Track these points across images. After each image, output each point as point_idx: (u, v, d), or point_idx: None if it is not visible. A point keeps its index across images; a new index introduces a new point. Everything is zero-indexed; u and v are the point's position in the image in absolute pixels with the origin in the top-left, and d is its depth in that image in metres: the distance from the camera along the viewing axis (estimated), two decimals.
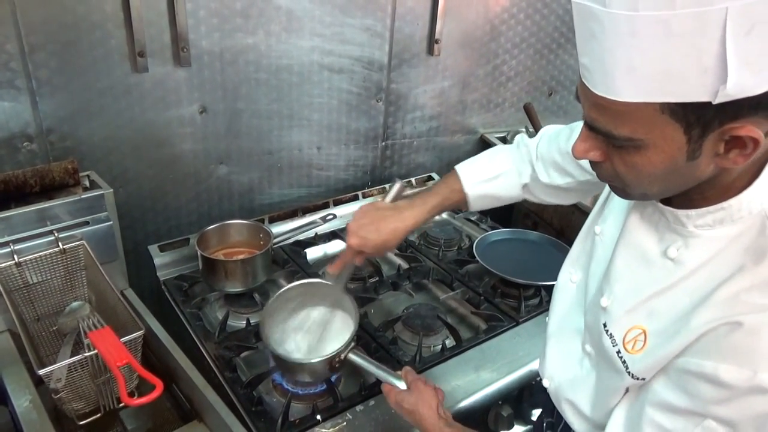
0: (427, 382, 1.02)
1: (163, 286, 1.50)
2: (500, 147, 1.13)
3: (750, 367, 0.59)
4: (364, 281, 1.54)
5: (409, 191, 1.80)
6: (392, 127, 1.96)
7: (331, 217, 1.75)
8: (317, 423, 1.11)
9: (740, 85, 0.52)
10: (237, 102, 1.62)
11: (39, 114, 1.36)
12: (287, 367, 1.13)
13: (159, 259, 1.54)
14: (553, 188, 1.05)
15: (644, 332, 0.72)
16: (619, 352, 0.74)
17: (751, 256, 0.63)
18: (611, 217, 0.84)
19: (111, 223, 1.31)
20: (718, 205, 0.65)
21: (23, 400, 1.05)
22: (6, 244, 1.17)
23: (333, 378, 1.19)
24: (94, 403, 1.10)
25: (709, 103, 0.54)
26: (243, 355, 1.29)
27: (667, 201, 0.71)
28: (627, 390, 0.77)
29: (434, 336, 1.37)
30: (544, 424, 1.07)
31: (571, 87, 2.23)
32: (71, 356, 1.01)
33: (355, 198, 1.87)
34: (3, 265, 1.17)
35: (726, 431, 0.63)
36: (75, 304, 1.27)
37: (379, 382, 1.06)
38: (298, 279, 1.50)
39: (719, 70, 0.52)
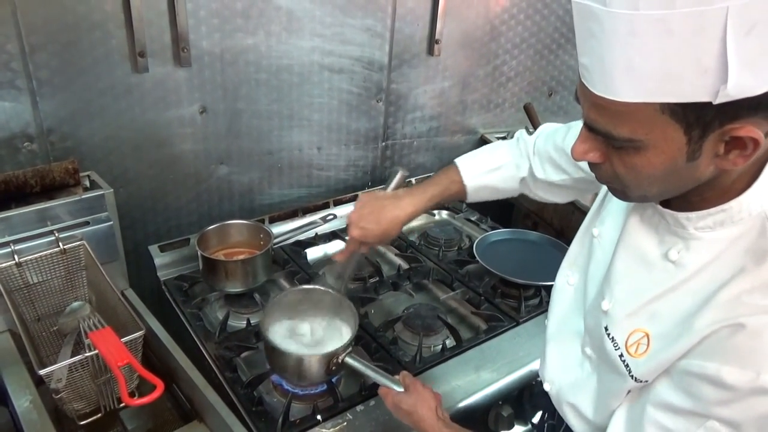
0: (425, 385, 1.02)
1: (163, 287, 1.50)
2: (500, 142, 1.14)
3: (753, 368, 0.59)
4: (365, 281, 1.54)
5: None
6: (392, 127, 1.96)
7: (331, 217, 1.75)
8: (317, 423, 1.11)
9: (741, 86, 0.52)
10: (237, 102, 1.62)
11: (39, 114, 1.36)
12: (284, 363, 1.12)
13: (159, 259, 1.54)
14: (548, 184, 1.06)
15: (647, 335, 0.71)
16: (621, 355, 0.74)
17: (751, 257, 0.63)
18: (609, 219, 0.84)
19: (111, 223, 1.31)
20: (719, 207, 0.65)
21: (24, 400, 1.05)
22: (6, 244, 1.17)
23: (333, 378, 1.19)
24: (95, 403, 1.10)
25: (709, 104, 0.54)
26: (243, 355, 1.29)
27: (667, 203, 0.71)
28: (629, 392, 0.77)
29: (434, 336, 1.37)
30: (545, 426, 1.07)
31: (571, 87, 2.23)
32: (72, 356, 1.01)
33: (355, 198, 1.86)
34: (3, 265, 1.17)
35: None
36: (75, 304, 1.27)
37: None
38: (298, 279, 1.51)
39: (720, 70, 0.52)
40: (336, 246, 1.72)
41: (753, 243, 0.64)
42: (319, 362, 1.08)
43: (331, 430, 1.10)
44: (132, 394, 1.01)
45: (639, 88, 0.56)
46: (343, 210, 1.81)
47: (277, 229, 1.67)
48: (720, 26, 0.50)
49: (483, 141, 2.14)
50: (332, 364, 1.09)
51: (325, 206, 1.81)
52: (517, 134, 1.11)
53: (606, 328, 0.77)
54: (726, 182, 0.64)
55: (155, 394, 0.93)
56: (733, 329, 0.61)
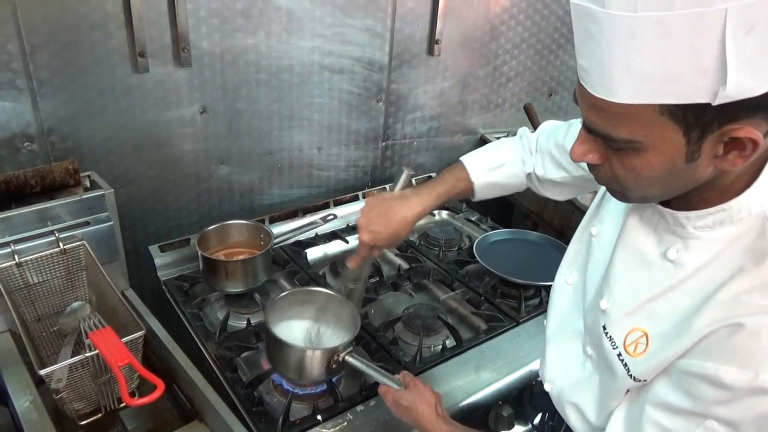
0: (425, 383, 1.02)
1: (163, 287, 1.50)
2: (503, 139, 1.14)
3: (752, 368, 0.59)
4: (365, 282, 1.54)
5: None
6: (392, 127, 1.96)
7: (331, 217, 1.75)
8: (318, 423, 1.11)
9: (740, 86, 0.52)
10: (237, 102, 1.62)
11: (40, 114, 1.36)
12: (285, 357, 1.12)
13: (159, 259, 1.54)
14: (548, 182, 1.06)
15: (645, 335, 0.71)
16: (620, 354, 0.74)
17: (751, 257, 0.63)
18: (608, 219, 0.84)
19: (112, 223, 1.31)
20: (718, 207, 0.65)
21: (24, 401, 1.05)
22: (7, 244, 1.17)
23: (333, 378, 1.19)
24: (95, 403, 1.10)
25: (708, 105, 0.54)
26: (244, 355, 1.29)
27: (666, 203, 0.71)
28: (627, 391, 0.77)
29: (435, 336, 1.37)
30: (546, 427, 1.07)
31: (571, 88, 2.22)
32: (72, 356, 1.01)
33: (356, 198, 1.87)
34: (4, 265, 1.17)
35: None
36: (76, 304, 1.27)
37: None
38: (298, 279, 1.51)
39: (719, 71, 0.52)
40: (336, 246, 1.72)
41: (752, 243, 0.64)
42: (320, 358, 1.09)
43: (332, 430, 1.10)
44: (132, 394, 1.01)
45: (638, 89, 0.56)
46: (344, 210, 1.81)
47: (278, 229, 1.67)
48: (719, 27, 0.50)
49: (483, 141, 2.14)
50: (333, 362, 1.09)
51: (326, 206, 1.81)
52: (520, 131, 1.12)
53: (604, 328, 0.77)
54: (725, 182, 0.64)
55: (156, 394, 0.93)
56: (732, 329, 0.61)
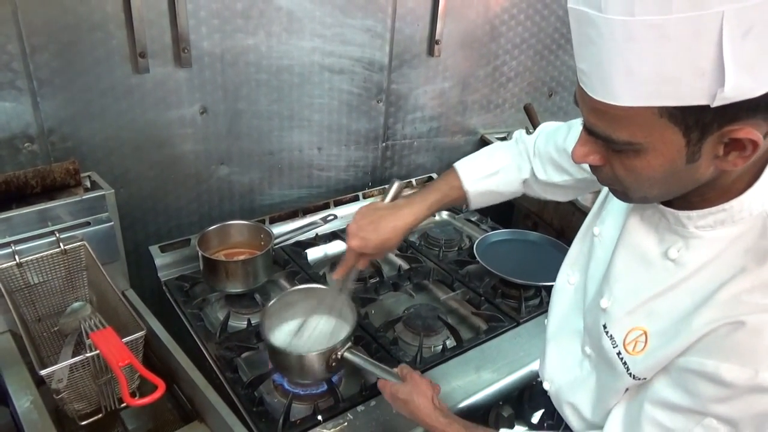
0: (423, 376, 1.02)
1: (164, 287, 1.50)
2: (498, 144, 1.12)
3: (752, 366, 0.59)
4: (365, 282, 1.54)
5: (408, 191, 1.81)
6: (392, 127, 1.96)
7: (331, 217, 1.75)
8: (318, 423, 1.11)
9: (738, 88, 0.52)
10: (238, 103, 1.62)
11: (40, 115, 1.36)
12: (285, 361, 1.13)
13: (160, 259, 1.54)
14: (550, 185, 1.05)
15: (645, 333, 0.72)
16: (619, 353, 0.75)
17: (752, 257, 0.63)
18: (610, 219, 0.84)
19: (112, 223, 1.31)
20: (720, 207, 0.65)
21: (24, 401, 1.05)
22: (7, 244, 1.18)
23: (334, 378, 1.19)
24: (96, 403, 1.11)
25: (707, 106, 0.54)
26: (244, 355, 1.29)
27: (668, 202, 0.71)
28: (626, 390, 0.77)
29: (435, 336, 1.37)
30: (545, 426, 1.07)
31: (571, 88, 2.23)
32: (73, 357, 1.02)
33: (356, 198, 1.87)
34: (4, 265, 1.17)
35: (726, 430, 0.64)
36: (76, 304, 1.27)
37: None
38: (298, 279, 1.51)
39: (717, 74, 0.52)
40: (336, 246, 1.72)
41: (754, 243, 0.64)
42: (319, 359, 1.09)
43: (332, 430, 1.10)
44: (133, 395, 1.01)
45: (637, 92, 0.56)
46: (344, 210, 1.81)
47: (278, 229, 1.67)
48: (716, 30, 0.50)
49: (483, 141, 2.14)
50: (332, 359, 1.09)
51: (326, 207, 1.81)
52: (515, 135, 1.10)
53: (604, 326, 0.78)
54: (726, 182, 0.64)
55: (156, 395, 0.93)
56: (733, 327, 0.61)
